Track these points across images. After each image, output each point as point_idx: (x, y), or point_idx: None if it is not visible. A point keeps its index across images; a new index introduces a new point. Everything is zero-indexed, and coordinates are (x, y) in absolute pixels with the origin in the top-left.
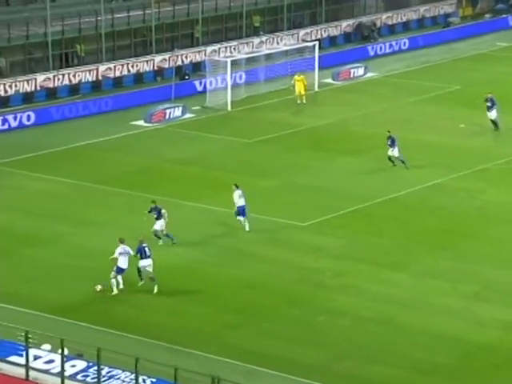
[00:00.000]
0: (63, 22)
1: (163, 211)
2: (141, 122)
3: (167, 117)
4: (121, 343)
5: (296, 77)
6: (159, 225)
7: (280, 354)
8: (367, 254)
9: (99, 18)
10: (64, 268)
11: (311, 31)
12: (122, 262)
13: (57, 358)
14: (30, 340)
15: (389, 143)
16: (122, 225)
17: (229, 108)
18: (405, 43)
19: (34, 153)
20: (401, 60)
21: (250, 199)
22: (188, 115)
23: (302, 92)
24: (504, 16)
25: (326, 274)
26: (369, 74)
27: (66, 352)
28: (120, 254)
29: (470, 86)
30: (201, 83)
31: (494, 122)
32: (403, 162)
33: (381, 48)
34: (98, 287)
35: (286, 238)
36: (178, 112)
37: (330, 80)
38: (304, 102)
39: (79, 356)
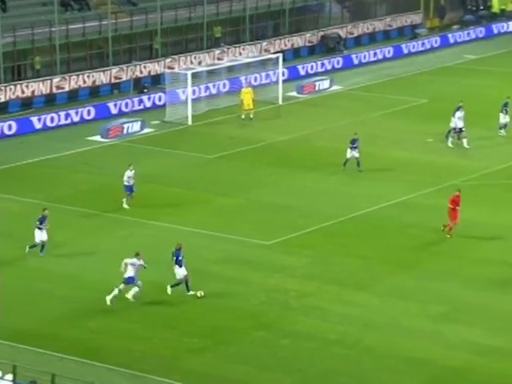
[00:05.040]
0: (15, 33)
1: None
2: (97, 138)
3: (125, 132)
4: (79, 370)
5: (244, 89)
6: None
7: (245, 380)
8: (333, 274)
9: (53, 29)
10: (20, 291)
11: (274, 42)
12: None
13: None
14: None
15: (354, 145)
16: (79, 245)
17: (189, 122)
18: (370, 55)
19: None
20: (366, 73)
21: (212, 217)
22: (147, 130)
23: (251, 106)
24: (472, 27)
25: (292, 295)
26: (334, 87)
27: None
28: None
29: (437, 99)
30: (160, 96)
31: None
32: (358, 164)
33: (346, 60)
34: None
35: (250, 257)
36: (136, 127)
37: (294, 93)
38: (251, 116)
39: (32, 383)
